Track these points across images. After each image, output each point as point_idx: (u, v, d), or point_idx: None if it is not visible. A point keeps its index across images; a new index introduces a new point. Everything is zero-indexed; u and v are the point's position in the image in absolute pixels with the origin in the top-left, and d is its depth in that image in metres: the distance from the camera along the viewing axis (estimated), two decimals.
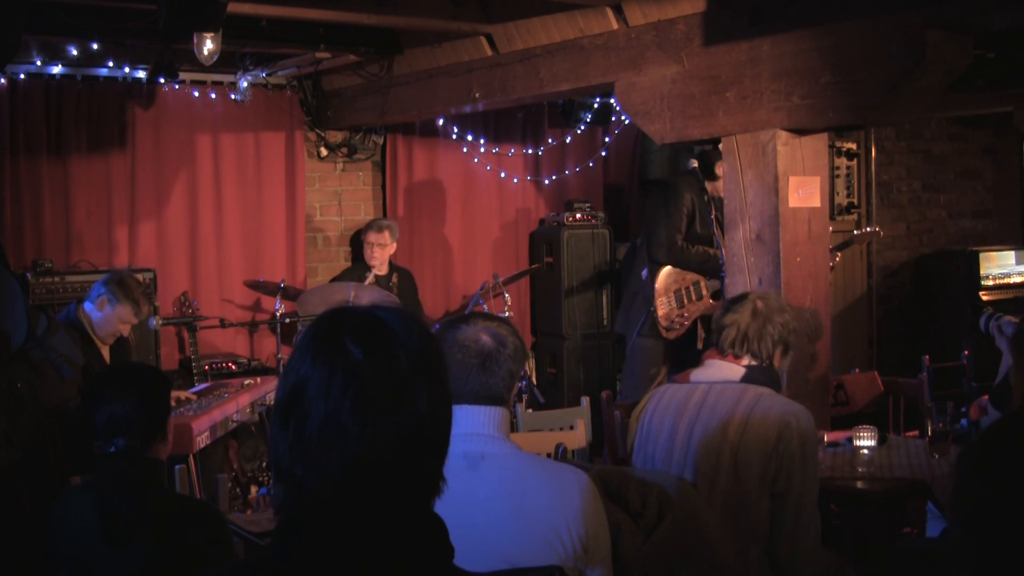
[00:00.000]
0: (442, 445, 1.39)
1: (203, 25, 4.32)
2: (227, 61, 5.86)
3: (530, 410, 5.41)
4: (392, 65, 6.20)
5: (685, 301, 5.58)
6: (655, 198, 5.77)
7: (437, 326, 2.98)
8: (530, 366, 7.37)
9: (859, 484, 3.66)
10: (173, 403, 4.80)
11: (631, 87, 4.79)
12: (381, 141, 7.21)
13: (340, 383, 1.30)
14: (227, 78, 6.44)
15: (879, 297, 8.32)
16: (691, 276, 5.62)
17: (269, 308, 6.41)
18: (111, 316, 4.68)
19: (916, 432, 4.90)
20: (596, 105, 7.08)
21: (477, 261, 7.42)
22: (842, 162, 7.92)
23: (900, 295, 8.49)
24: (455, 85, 5.80)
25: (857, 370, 5.81)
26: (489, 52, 5.54)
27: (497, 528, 2.13)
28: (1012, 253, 8.32)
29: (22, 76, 5.91)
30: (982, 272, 8.06)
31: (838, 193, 7.87)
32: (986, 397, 4.39)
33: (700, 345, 5.65)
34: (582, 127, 7.35)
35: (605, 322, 7.23)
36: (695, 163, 5.58)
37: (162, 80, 5.90)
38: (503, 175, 7.43)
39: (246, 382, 5.48)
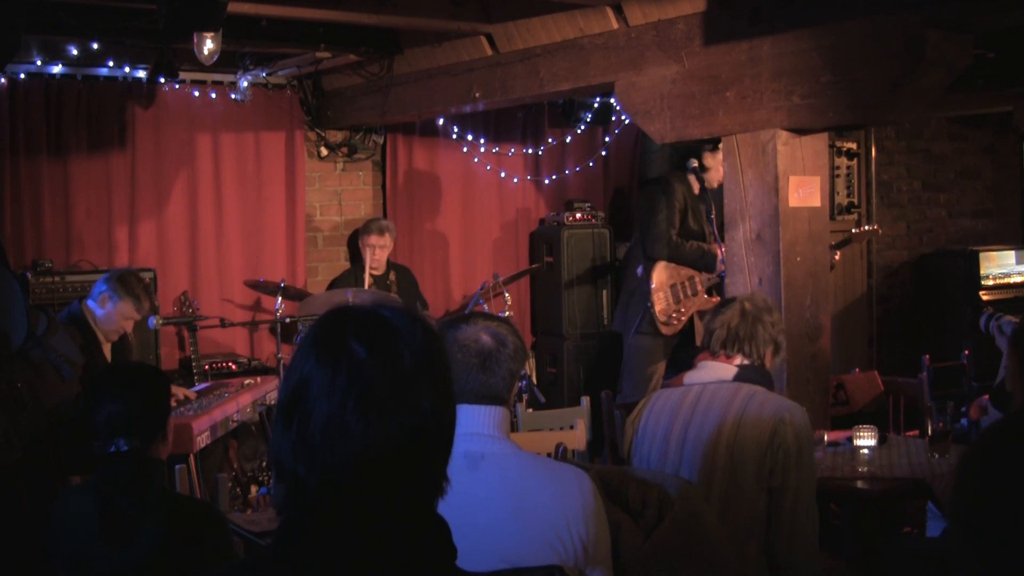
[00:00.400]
0: (446, 445, 1.38)
1: (203, 25, 4.32)
2: (227, 61, 5.86)
3: (530, 410, 5.41)
4: (392, 65, 6.20)
5: (681, 296, 5.60)
6: (647, 195, 5.79)
7: (437, 326, 2.97)
8: (530, 366, 7.37)
9: (859, 484, 3.66)
10: (173, 402, 4.81)
11: (631, 87, 4.79)
12: (381, 141, 7.20)
13: (344, 382, 1.30)
14: (227, 78, 6.43)
15: (879, 297, 8.32)
16: (686, 271, 5.64)
17: (269, 308, 6.41)
18: (113, 313, 4.71)
19: (916, 432, 4.90)
20: (596, 105, 7.08)
21: (477, 261, 7.42)
22: (842, 162, 7.92)
23: (900, 295, 8.49)
24: (455, 85, 5.80)
25: (857, 370, 5.81)
26: (489, 52, 5.54)
27: (497, 528, 2.13)
28: (1012, 253, 8.32)
29: (22, 76, 5.91)
30: (982, 272, 8.06)
31: (838, 193, 7.87)
32: (986, 397, 4.39)
33: (699, 341, 5.66)
34: (582, 127, 7.35)
35: (605, 322, 7.23)
36: (695, 162, 5.59)
37: (162, 80, 5.90)
38: (503, 175, 7.43)
39: (246, 382, 5.48)
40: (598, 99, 7.02)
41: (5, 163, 5.90)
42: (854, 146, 7.97)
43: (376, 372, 1.31)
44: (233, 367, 6.32)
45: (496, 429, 2.24)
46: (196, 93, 6.44)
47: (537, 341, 7.52)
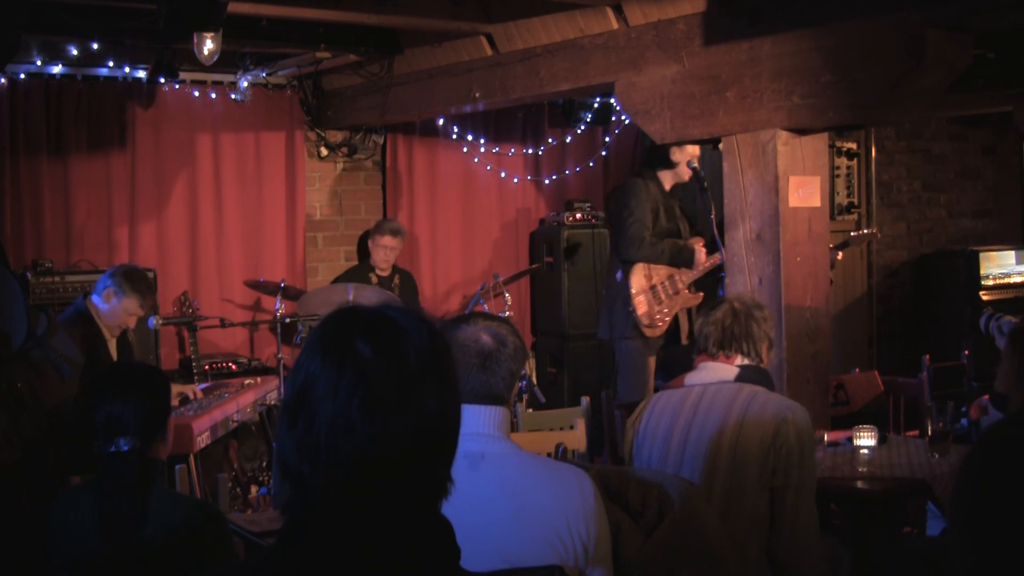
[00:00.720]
0: (451, 445, 1.38)
1: (203, 25, 4.32)
2: (227, 61, 5.86)
3: (530, 410, 5.41)
4: (392, 65, 6.20)
5: (663, 297, 5.57)
6: (617, 200, 5.75)
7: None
8: (530, 366, 7.37)
9: (859, 484, 3.66)
10: (178, 400, 4.82)
11: (631, 87, 4.79)
12: (381, 141, 7.21)
13: (349, 381, 1.30)
14: (227, 78, 6.44)
15: (879, 297, 8.32)
16: (665, 271, 5.60)
17: (269, 308, 6.41)
18: (118, 308, 4.73)
19: (916, 432, 4.90)
20: (596, 105, 7.08)
21: (477, 261, 7.42)
22: (842, 162, 7.91)
23: (900, 295, 8.49)
24: (455, 85, 5.80)
25: (857, 370, 5.80)
26: (489, 52, 5.55)
27: (497, 528, 2.13)
28: (1012, 253, 8.32)
29: (22, 76, 5.91)
30: (982, 272, 8.05)
31: (838, 193, 7.87)
32: (986, 397, 4.39)
33: (684, 339, 5.66)
34: (582, 127, 7.35)
35: None
36: (695, 163, 5.57)
37: (162, 80, 5.89)
38: (503, 175, 7.43)
39: (246, 382, 5.48)
40: (598, 99, 7.02)
41: (5, 163, 5.90)
42: (854, 146, 7.97)
43: (381, 372, 1.31)
44: (233, 367, 6.32)
45: (496, 429, 2.24)
46: (196, 93, 6.44)
47: (537, 341, 7.52)
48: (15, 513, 3.41)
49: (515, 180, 7.49)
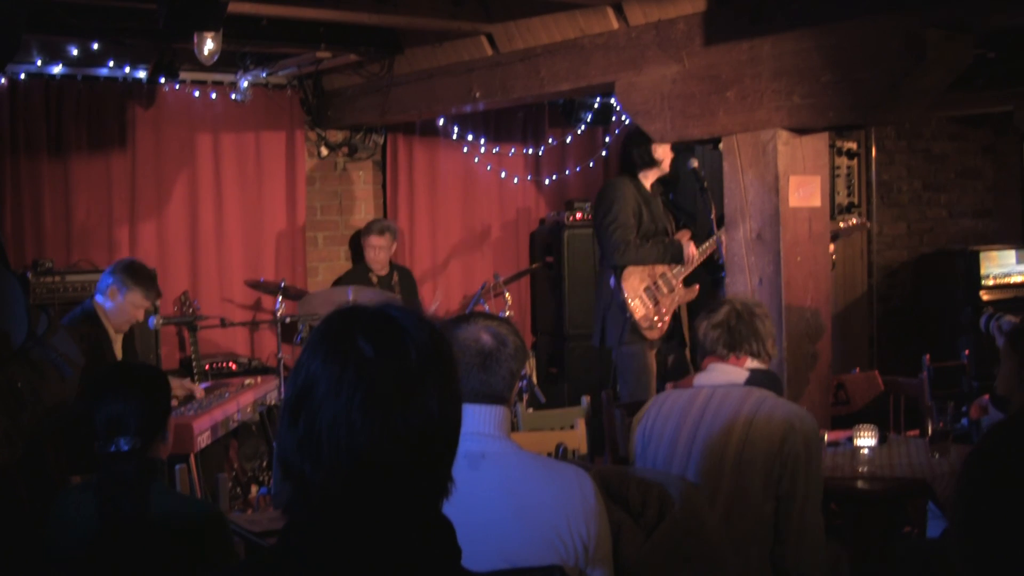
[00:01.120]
0: (452, 444, 1.38)
1: (203, 25, 4.32)
2: (227, 61, 5.86)
3: (531, 409, 5.41)
4: (392, 64, 6.20)
5: (658, 297, 5.56)
6: (597, 207, 5.73)
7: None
8: (530, 365, 7.37)
9: (859, 484, 3.66)
10: (179, 399, 4.82)
11: (631, 86, 4.79)
12: (381, 141, 7.21)
13: (351, 380, 1.30)
14: (227, 78, 6.43)
15: (879, 297, 8.32)
16: (656, 270, 5.59)
17: (269, 307, 6.41)
18: (124, 303, 4.74)
19: (916, 431, 4.90)
20: (597, 105, 7.07)
21: (477, 261, 7.42)
22: (842, 161, 7.92)
23: (900, 295, 8.49)
24: (455, 84, 5.80)
25: (857, 370, 5.80)
26: (489, 51, 5.54)
27: (498, 527, 2.13)
28: (1012, 252, 8.31)
29: (22, 76, 5.90)
30: (982, 272, 8.05)
31: (838, 192, 7.87)
32: (986, 397, 4.39)
33: (687, 337, 5.67)
34: (583, 127, 7.35)
35: None
36: (695, 163, 5.56)
37: (162, 80, 5.90)
38: (503, 175, 7.43)
39: (247, 382, 5.48)
40: (598, 99, 7.01)
41: (5, 163, 5.90)
42: (854, 146, 7.97)
43: (383, 371, 1.31)
44: (233, 367, 6.32)
45: (497, 428, 2.24)
46: (196, 93, 6.44)
47: (537, 341, 7.51)
48: (15, 513, 3.41)
49: (515, 180, 7.49)
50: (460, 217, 7.38)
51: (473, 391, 2.23)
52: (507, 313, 6.23)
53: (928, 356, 5.61)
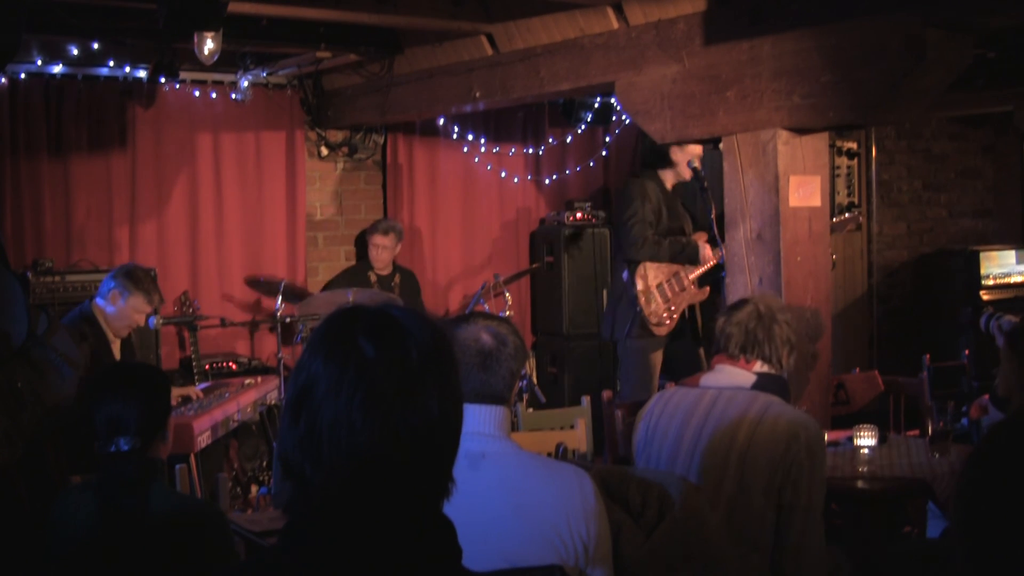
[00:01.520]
0: (452, 444, 1.38)
1: (203, 24, 4.32)
2: (227, 60, 5.86)
3: (531, 409, 5.41)
4: (392, 64, 6.20)
5: (669, 294, 5.58)
6: (619, 201, 5.77)
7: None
8: (531, 365, 7.37)
9: (859, 483, 3.65)
10: (179, 400, 4.82)
11: (631, 86, 4.79)
12: (382, 140, 7.21)
13: (351, 380, 1.30)
14: (227, 77, 6.43)
15: (879, 297, 8.32)
16: (670, 268, 5.61)
17: (270, 307, 6.41)
18: (125, 308, 4.75)
19: (916, 431, 4.90)
20: (597, 105, 7.07)
21: (477, 261, 7.42)
22: (842, 161, 7.92)
23: (900, 295, 8.49)
24: (455, 84, 5.80)
25: (857, 369, 5.80)
26: (489, 51, 5.54)
27: (498, 527, 2.13)
28: (1012, 252, 8.32)
29: (22, 76, 5.91)
30: (982, 271, 8.06)
31: (838, 192, 7.87)
32: (987, 396, 4.39)
33: (700, 334, 5.67)
34: (583, 127, 7.35)
35: None
36: (697, 163, 5.57)
37: (162, 80, 5.89)
38: (503, 175, 7.43)
39: (247, 381, 5.48)
40: (599, 99, 7.02)
41: (5, 163, 5.90)
42: (854, 146, 7.97)
43: (384, 371, 1.31)
44: (233, 367, 6.32)
45: (497, 428, 2.24)
46: (196, 93, 6.44)
47: (537, 341, 7.52)
48: (15, 513, 3.41)
49: (515, 180, 7.49)
50: (460, 217, 7.38)
51: (473, 391, 2.23)
52: (507, 313, 6.23)
53: (928, 356, 5.61)
